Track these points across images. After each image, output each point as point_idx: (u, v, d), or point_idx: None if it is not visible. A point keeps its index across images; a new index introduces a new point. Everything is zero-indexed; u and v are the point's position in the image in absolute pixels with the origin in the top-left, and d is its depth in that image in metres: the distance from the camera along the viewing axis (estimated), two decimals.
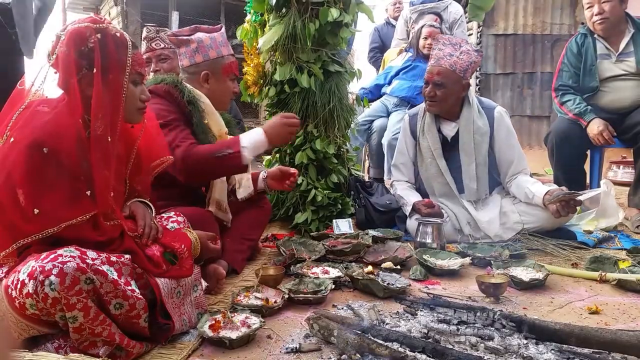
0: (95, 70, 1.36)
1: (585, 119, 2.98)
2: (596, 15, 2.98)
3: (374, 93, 4.09)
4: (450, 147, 2.73)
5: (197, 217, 1.83)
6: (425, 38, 3.85)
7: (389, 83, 4.00)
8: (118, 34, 1.42)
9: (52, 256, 1.24)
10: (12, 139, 1.33)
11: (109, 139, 1.41)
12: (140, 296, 1.37)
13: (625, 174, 4.54)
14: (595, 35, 3.07)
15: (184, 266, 1.55)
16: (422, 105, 2.84)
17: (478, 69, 6.69)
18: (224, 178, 2.13)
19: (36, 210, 1.29)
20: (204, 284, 1.74)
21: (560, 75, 3.18)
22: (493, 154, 2.73)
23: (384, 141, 3.86)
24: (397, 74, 3.98)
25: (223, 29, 2.21)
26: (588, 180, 3.37)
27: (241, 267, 2.19)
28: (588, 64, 3.05)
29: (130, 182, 1.59)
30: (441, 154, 2.72)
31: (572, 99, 3.05)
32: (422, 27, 3.90)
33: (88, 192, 1.37)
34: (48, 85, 1.41)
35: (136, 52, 1.46)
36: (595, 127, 2.94)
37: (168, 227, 1.65)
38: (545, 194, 2.50)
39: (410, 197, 2.75)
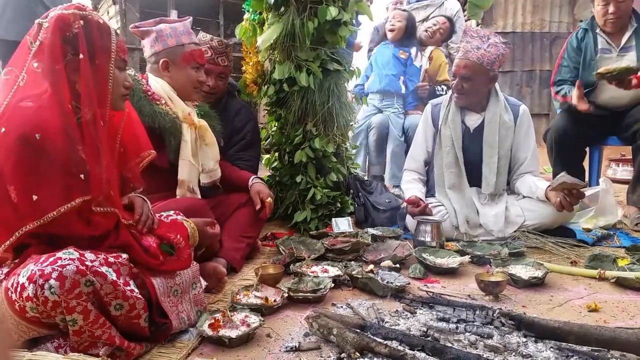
0: (82, 56, 1.36)
1: (569, 96, 3.00)
2: (611, 13, 2.97)
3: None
4: (470, 139, 2.74)
5: (193, 208, 1.85)
6: (390, 20, 3.99)
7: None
8: (101, 21, 1.42)
9: (52, 259, 1.24)
10: (2, 129, 1.31)
11: (101, 123, 1.41)
12: (139, 296, 1.37)
13: (624, 172, 4.54)
14: (597, 30, 3.07)
15: (182, 256, 1.55)
16: (447, 95, 2.86)
17: None
18: (192, 160, 2.10)
19: (35, 197, 1.28)
20: (204, 283, 1.74)
21: (559, 71, 3.19)
22: (510, 149, 2.75)
23: (388, 150, 3.90)
24: (371, 64, 4.10)
25: (188, 20, 2.19)
26: (587, 178, 3.37)
27: (240, 265, 2.20)
28: (588, 59, 3.05)
29: (120, 170, 1.58)
30: (461, 144, 2.73)
31: (567, 88, 3.07)
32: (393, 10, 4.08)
33: (82, 176, 1.36)
34: (30, 75, 1.38)
35: (119, 39, 1.47)
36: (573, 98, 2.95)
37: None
38: (549, 187, 2.51)
39: (407, 193, 2.75)
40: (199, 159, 2.15)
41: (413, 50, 3.97)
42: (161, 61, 2.10)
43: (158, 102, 2.06)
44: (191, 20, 2.20)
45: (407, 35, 3.97)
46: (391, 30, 3.97)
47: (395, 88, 3.89)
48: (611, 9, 2.96)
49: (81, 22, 1.37)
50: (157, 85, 2.10)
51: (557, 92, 3.14)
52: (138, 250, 1.45)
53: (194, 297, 1.62)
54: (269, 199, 2.30)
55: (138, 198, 1.61)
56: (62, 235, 1.34)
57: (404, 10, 4.05)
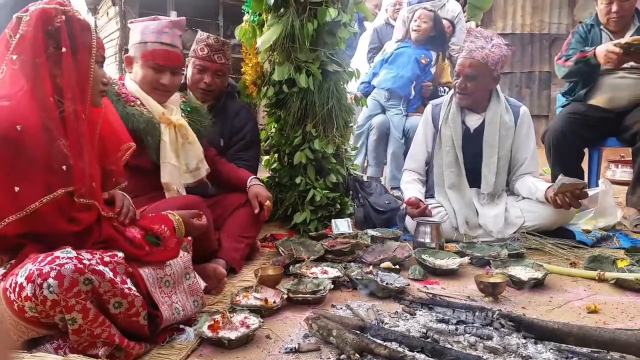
0: (64, 50, 1.36)
1: (588, 50, 2.95)
2: (614, 12, 2.98)
3: (371, 84, 4.11)
4: (471, 139, 2.74)
5: (188, 206, 1.83)
6: (415, 20, 3.87)
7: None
8: (81, 17, 1.44)
9: (49, 259, 1.24)
10: None
11: (83, 116, 1.41)
12: (137, 294, 1.37)
13: (624, 173, 4.55)
14: (602, 27, 3.07)
15: (169, 246, 1.55)
16: (447, 95, 2.86)
17: None
18: (174, 161, 2.07)
19: (17, 188, 1.27)
20: (203, 283, 1.74)
21: (567, 52, 3.14)
22: (510, 150, 2.75)
23: (389, 152, 3.90)
24: (386, 60, 4.01)
25: (171, 20, 2.13)
26: (586, 180, 3.37)
27: (239, 265, 2.19)
28: None
29: (102, 164, 1.58)
30: (461, 144, 2.73)
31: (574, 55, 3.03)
32: (417, 10, 3.94)
33: (64, 167, 1.36)
34: (9, 69, 1.36)
35: (98, 37, 1.48)
36: (602, 49, 2.87)
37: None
38: (549, 187, 2.52)
39: (407, 193, 2.76)
40: (182, 159, 2.12)
41: (434, 55, 3.93)
42: (125, 56, 2.11)
43: (132, 104, 2.03)
44: (182, 20, 2.15)
45: (432, 37, 3.88)
46: (416, 31, 3.86)
47: (406, 92, 3.88)
48: (614, 7, 2.97)
49: (63, 16, 1.38)
50: (132, 85, 2.08)
51: (566, 60, 3.06)
52: (122, 243, 1.45)
53: (189, 287, 1.61)
54: (268, 202, 2.29)
55: (118, 192, 1.63)
56: (46, 235, 1.34)
57: (430, 10, 3.94)
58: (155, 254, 1.51)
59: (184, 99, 2.28)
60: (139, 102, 2.06)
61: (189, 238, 1.74)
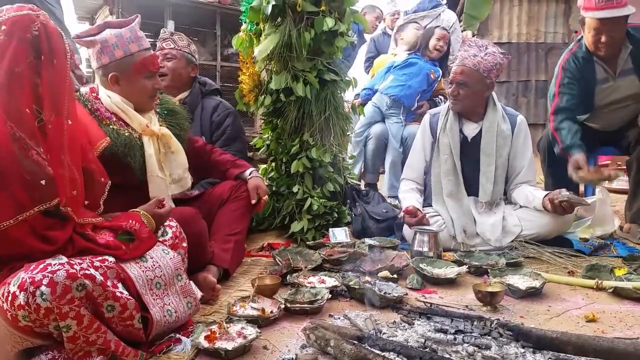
0: (43, 57, 1.35)
1: (571, 153, 2.78)
2: (603, 42, 2.77)
3: (375, 91, 4.11)
4: (468, 148, 2.75)
5: (183, 218, 1.81)
6: (438, 39, 3.92)
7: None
8: (52, 24, 1.42)
9: (42, 266, 1.24)
10: None
11: (67, 122, 1.39)
12: (129, 297, 1.37)
13: (621, 182, 4.54)
14: (595, 58, 2.88)
15: (142, 237, 1.54)
16: (445, 105, 2.88)
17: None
18: (159, 173, 2.01)
19: None
20: (200, 293, 1.73)
21: (560, 99, 2.94)
22: (508, 159, 2.75)
23: (387, 161, 3.90)
24: (395, 67, 4.02)
25: (136, 21, 2.01)
26: (583, 188, 3.36)
27: (232, 265, 2.15)
28: (588, 91, 2.90)
29: (82, 166, 1.54)
30: (459, 152, 2.74)
31: (567, 128, 2.84)
32: (436, 27, 3.99)
33: (42, 182, 1.33)
34: None
35: (68, 42, 1.46)
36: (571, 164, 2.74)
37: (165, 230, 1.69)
38: (546, 195, 2.53)
39: (404, 202, 2.76)
40: (166, 170, 2.05)
41: (440, 72, 4.00)
42: (110, 75, 1.94)
43: (108, 121, 1.94)
44: (139, 19, 2.03)
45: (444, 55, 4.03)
46: (439, 51, 3.94)
47: (410, 103, 3.90)
48: (603, 39, 2.76)
49: (39, 23, 1.36)
50: (109, 100, 1.97)
51: (556, 129, 2.89)
52: (98, 250, 1.43)
53: (181, 288, 1.59)
54: (266, 197, 2.35)
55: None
56: (20, 255, 1.32)
57: (449, 32, 4.05)
58: (133, 250, 1.50)
59: (159, 100, 2.19)
60: (114, 119, 1.96)
61: (185, 245, 1.73)
